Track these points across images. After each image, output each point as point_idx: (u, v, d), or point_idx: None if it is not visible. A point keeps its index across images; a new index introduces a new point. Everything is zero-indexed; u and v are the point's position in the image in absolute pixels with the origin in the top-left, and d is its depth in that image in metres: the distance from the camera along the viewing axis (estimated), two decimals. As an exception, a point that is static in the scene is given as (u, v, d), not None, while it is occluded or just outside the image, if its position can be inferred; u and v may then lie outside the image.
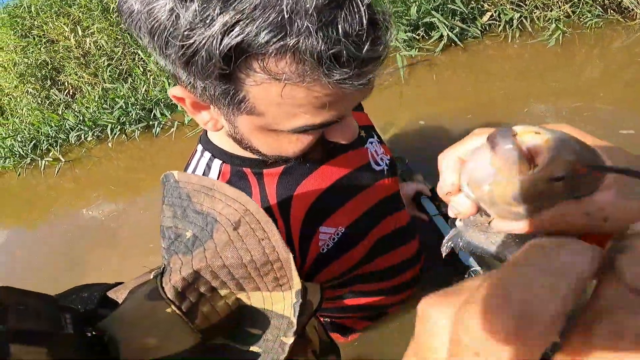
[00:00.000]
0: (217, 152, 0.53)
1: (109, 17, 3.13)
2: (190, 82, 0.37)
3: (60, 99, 3.25)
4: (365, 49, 0.32)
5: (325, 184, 0.53)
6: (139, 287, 0.33)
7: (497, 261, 0.31)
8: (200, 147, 0.55)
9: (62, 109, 3.12)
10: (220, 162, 0.52)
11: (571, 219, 0.23)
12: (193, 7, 0.29)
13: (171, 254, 0.33)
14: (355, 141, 0.48)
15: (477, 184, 0.23)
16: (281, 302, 0.31)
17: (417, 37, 2.30)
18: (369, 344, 1.06)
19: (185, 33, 0.30)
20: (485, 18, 2.27)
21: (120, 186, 2.44)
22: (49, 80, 3.35)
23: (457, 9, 2.17)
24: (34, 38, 3.51)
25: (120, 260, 1.91)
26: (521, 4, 2.35)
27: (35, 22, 3.53)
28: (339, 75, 0.32)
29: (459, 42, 2.18)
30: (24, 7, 3.63)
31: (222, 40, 0.30)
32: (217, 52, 0.30)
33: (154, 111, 2.51)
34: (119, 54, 3.02)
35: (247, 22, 0.29)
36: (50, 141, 3.03)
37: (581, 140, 0.22)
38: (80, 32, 3.24)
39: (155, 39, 0.33)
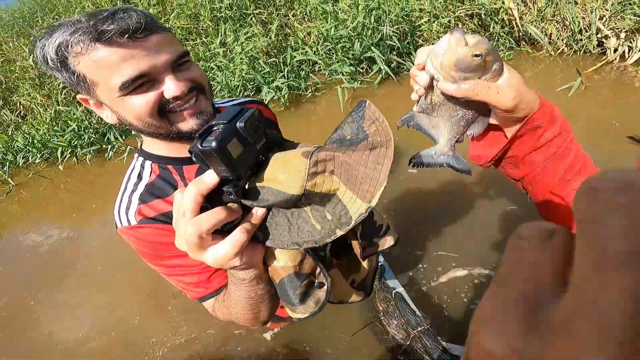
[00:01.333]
0: (146, 156, 0.66)
1: None
2: (68, 81, 0.56)
3: (10, 120, 3.12)
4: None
5: None
6: (302, 147, 0.47)
7: (433, 141, 0.47)
8: (136, 155, 0.69)
9: (12, 130, 2.99)
10: (150, 162, 0.66)
11: (481, 88, 0.40)
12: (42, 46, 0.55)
13: (331, 142, 0.47)
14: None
15: (436, 54, 0.40)
16: (357, 208, 0.41)
17: (361, 70, 2.48)
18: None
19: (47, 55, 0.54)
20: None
21: (67, 211, 2.33)
22: (0, 100, 3.24)
23: (394, 44, 2.39)
24: None
25: (67, 286, 1.78)
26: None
27: None
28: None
29: (393, 76, 2.36)
30: None
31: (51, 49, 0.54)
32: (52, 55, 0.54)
33: (107, 135, 2.46)
34: None
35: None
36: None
37: (495, 49, 0.40)
38: None
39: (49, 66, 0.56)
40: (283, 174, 0.42)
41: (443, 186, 1.62)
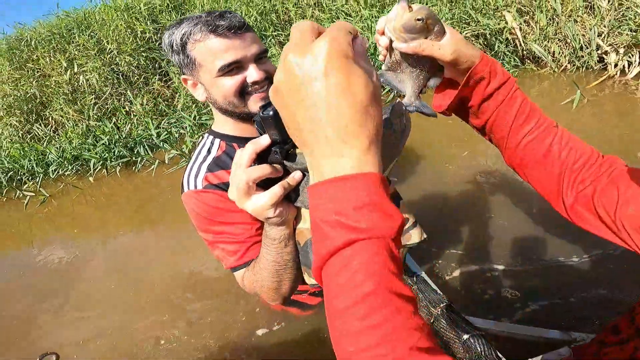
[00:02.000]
0: (216, 134, 0.80)
1: (103, 57, 3.32)
2: (180, 63, 0.73)
3: (44, 133, 3.31)
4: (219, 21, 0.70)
5: None
6: None
7: (400, 94, 0.56)
8: (206, 134, 0.83)
9: (45, 143, 3.18)
10: (219, 140, 0.79)
11: (425, 45, 0.49)
12: (171, 33, 0.72)
13: None
14: None
15: (389, 20, 0.50)
16: None
17: None
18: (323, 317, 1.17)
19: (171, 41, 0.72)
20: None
21: (94, 222, 2.45)
22: (34, 114, 3.43)
23: None
24: (28, 71, 3.60)
25: (77, 301, 1.90)
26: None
27: (33, 56, 3.64)
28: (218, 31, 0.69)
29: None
30: (26, 40, 3.72)
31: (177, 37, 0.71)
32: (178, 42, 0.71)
33: (137, 149, 2.63)
34: (107, 93, 3.18)
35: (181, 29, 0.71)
36: (28, 174, 3.06)
37: (438, 17, 0.50)
38: (75, 69, 3.37)
39: (168, 50, 0.74)
40: None
41: (459, 190, 1.72)
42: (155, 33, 3.26)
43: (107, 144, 2.67)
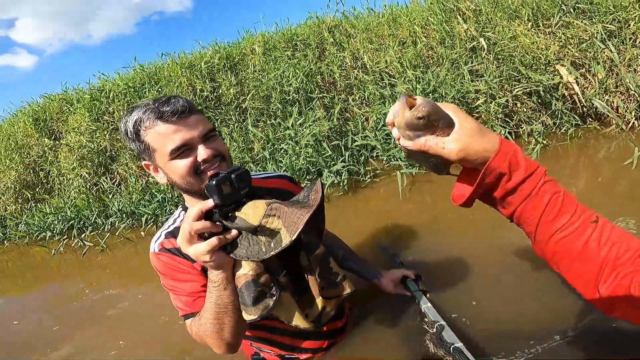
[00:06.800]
0: (184, 208, 0.94)
1: None
2: (138, 150, 0.82)
3: (109, 187, 3.61)
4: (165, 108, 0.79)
5: None
6: (269, 200, 0.73)
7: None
8: (180, 206, 0.98)
9: (107, 196, 3.47)
10: (184, 212, 0.92)
11: (430, 144, 0.48)
12: (125, 121, 0.82)
13: (290, 201, 0.74)
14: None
15: (393, 116, 0.50)
16: (286, 240, 0.66)
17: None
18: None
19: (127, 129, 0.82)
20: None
21: (145, 275, 2.54)
22: (102, 167, 3.78)
23: None
24: (104, 123, 3.85)
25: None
26: (508, 119, 2.59)
27: (110, 108, 3.87)
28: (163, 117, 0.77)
29: None
30: (105, 92, 3.96)
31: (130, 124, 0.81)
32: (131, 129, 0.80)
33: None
34: None
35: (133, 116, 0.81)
36: (88, 224, 3.30)
37: (442, 109, 0.48)
38: None
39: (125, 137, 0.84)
40: (251, 211, 0.69)
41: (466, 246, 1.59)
42: (211, 92, 3.54)
43: (161, 201, 2.84)
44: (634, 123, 2.54)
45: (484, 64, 2.72)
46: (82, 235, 3.25)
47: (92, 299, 2.40)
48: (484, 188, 0.50)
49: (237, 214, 0.70)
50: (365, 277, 1.32)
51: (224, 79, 3.52)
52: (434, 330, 1.01)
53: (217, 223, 0.69)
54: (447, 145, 0.47)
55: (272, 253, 0.66)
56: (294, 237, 0.64)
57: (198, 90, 3.53)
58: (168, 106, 0.77)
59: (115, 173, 3.67)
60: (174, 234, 0.88)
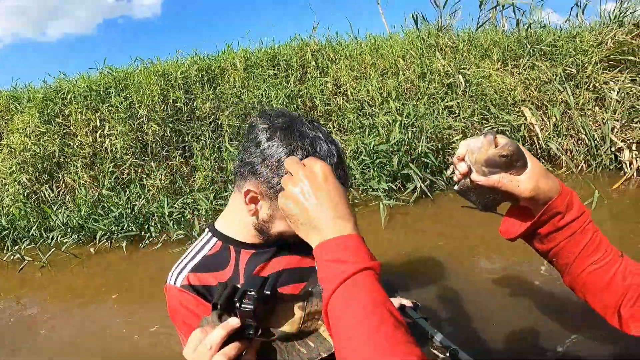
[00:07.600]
0: (216, 234, 0.80)
1: (132, 123, 3.24)
2: (265, 179, 0.68)
3: (52, 196, 3.19)
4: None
5: (279, 268, 0.80)
6: (297, 300, 0.63)
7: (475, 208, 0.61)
8: (207, 230, 0.83)
9: (50, 207, 3.06)
10: (216, 239, 0.80)
11: (505, 181, 0.51)
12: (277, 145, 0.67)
13: (317, 293, 0.64)
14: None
15: (472, 151, 0.51)
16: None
17: (394, 187, 2.54)
18: None
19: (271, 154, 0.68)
20: (449, 171, 2.61)
21: (88, 295, 2.21)
22: (46, 174, 3.32)
23: (428, 161, 2.51)
24: (55, 126, 3.44)
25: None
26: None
27: (65, 110, 3.48)
28: None
29: (429, 194, 2.40)
30: (63, 93, 3.58)
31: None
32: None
33: (148, 225, 2.51)
34: (127, 163, 3.11)
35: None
36: (23, 235, 2.88)
37: (522, 150, 0.50)
38: (107, 130, 3.23)
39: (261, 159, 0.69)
40: (285, 320, 0.60)
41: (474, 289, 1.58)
42: (185, 104, 3.34)
43: (117, 217, 2.55)
44: (582, 166, 2.80)
45: (458, 101, 2.87)
46: (16, 247, 2.81)
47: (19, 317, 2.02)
48: (536, 225, 0.54)
49: (271, 327, 0.59)
50: None
51: (200, 92, 3.37)
52: (447, 354, 1.04)
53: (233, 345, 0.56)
54: (522, 184, 0.51)
55: (323, 354, 0.58)
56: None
57: (171, 101, 3.32)
58: (341, 171, 0.69)
59: (62, 182, 3.25)
60: (205, 265, 0.78)
